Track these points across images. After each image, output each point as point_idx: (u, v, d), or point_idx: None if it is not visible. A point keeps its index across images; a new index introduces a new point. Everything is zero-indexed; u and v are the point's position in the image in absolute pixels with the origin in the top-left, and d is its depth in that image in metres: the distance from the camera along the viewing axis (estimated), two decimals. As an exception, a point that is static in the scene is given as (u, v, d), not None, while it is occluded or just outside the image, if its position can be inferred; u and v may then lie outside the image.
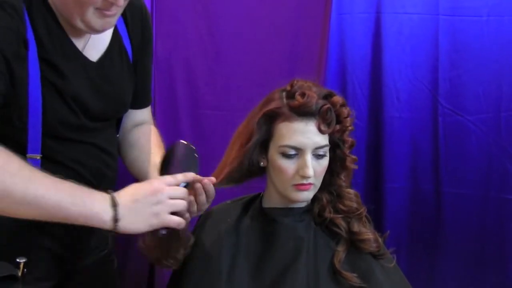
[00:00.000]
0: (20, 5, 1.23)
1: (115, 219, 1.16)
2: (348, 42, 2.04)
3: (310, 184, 1.36)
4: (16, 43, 1.21)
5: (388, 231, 1.48)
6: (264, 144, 1.39)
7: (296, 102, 1.34)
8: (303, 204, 1.44)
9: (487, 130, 1.97)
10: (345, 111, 1.39)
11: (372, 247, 1.39)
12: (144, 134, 1.57)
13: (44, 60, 1.26)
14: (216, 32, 2.12)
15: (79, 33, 1.33)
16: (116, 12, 1.28)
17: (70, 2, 1.24)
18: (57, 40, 1.29)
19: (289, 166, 1.35)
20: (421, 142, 2.05)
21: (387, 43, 2.01)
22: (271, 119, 1.36)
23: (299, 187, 1.36)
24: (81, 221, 1.16)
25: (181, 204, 1.25)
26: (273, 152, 1.37)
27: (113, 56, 1.42)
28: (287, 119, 1.34)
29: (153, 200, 1.20)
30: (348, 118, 1.39)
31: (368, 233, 1.40)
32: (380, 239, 1.41)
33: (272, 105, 1.37)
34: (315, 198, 1.43)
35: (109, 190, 1.20)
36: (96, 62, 1.38)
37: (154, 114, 2.10)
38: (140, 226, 1.20)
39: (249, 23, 2.10)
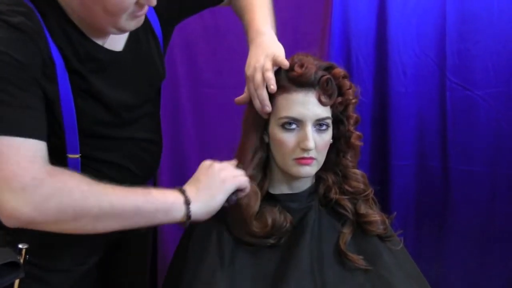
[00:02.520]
0: (39, 25, 1.17)
1: (188, 209, 1.22)
2: (352, 15, 1.98)
3: (311, 158, 1.31)
4: (42, 64, 1.16)
5: (395, 213, 1.44)
6: (265, 120, 1.34)
7: (295, 73, 1.30)
8: (306, 185, 1.39)
9: (497, 104, 1.91)
10: (347, 83, 1.34)
11: (379, 229, 1.35)
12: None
13: (71, 71, 1.22)
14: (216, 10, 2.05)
15: (100, 32, 1.27)
16: (147, 8, 1.24)
17: (99, 14, 1.18)
18: (80, 46, 1.24)
19: (289, 139, 1.31)
20: (428, 118, 1.99)
21: (392, 16, 1.94)
22: (270, 93, 1.32)
23: (300, 161, 1.31)
24: (160, 217, 1.21)
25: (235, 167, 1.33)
26: (273, 126, 1.33)
27: (138, 35, 1.37)
28: (286, 90, 1.30)
29: (213, 172, 1.27)
30: (350, 90, 1.34)
31: (375, 215, 1.36)
32: (387, 221, 1.37)
33: None
34: (320, 179, 1.39)
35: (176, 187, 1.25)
36: (122, 51, 1.33)
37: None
38: (218, 200, 1.26)
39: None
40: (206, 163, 1.30)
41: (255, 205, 1.33)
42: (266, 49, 1.37)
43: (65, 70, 1.20)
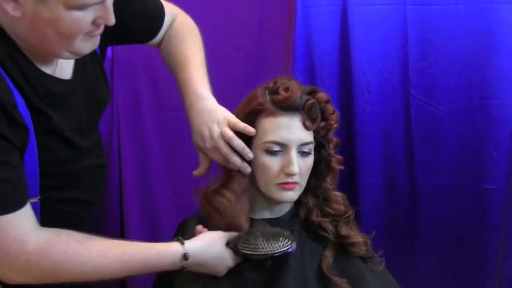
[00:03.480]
0: None
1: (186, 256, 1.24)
2: (315, 36, 1.98)
3: (295, 183, 1.31)
4: (5, 114, 1.08)
5: (374, 232, 1.44)
6: (247, 143, 1.33)
7: (280, 97, 1.29)
8: (286, 209, 1.38)
9: (460, 120, 1.94)
10: (330, 107, 1.35)
11: (362, 250, 1.35)
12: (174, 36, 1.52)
13: (33, 109, 1.15)
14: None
15: (48, 58, 1.20)
16: (103, 28, 1.17)
17: (52, 38, 1.09)
18: (34, 80, 1.15)
19: (273, 163, 1.30)
20: (394, 135, 2.01)
21: (355, 36, 1.95)
22: (254, 116, 1.32)
23: (284, 186, 1.31)
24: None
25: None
26: (256, 149, 1.32)
27: (84, 57, 1.29)
28: (271, 114, 1.30)
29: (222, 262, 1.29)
30: (334, 115, 1.36)
31: (357, 236, 1.36)
32: (368, 242, 1.37)
33: (255, 102, 1.32)
34: (300, 203, 1.39)
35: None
36: (71, 79, 1.26)
37: (118, 118, 2.02)
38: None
39: (212, 19, 2.02)
40: (218, 249, 1.28)
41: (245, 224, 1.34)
42: (214, 115, 1.33)
43: (27, 110, 1.13)
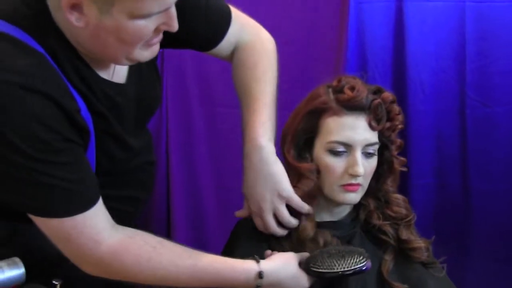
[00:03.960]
0: (54, 72, 1.07)
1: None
2: (368, 32, 1.93)
3: (358, 184, 1.28)
4: (70, 120, 1.08)
5: (433, 237, 1.40)
6: (309, 143, 1.30)
7: (346, 96, 1.26)
8: (346, 211, 1.35)
9: (518, 121, 1.88)
10: (396, 108, 1.31)
11: (423, 256, 1.32)
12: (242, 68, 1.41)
13: (94, 113, 1.14)
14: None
15: (106, 64, 1.18)
16: (161, 36, 1.14)
17: (113, 45, 1.07)
18: (94, 85, 1.15)
19: (337, 164, 1.26)
20: (448, 136, 1.95)
21: (410, 33, 1.90)
22: (316, 115, 1.28)
23: (347, 187, 1.27)
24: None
25: None
26: (319, 150, 1.29)
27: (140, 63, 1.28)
28: (336, 113, 1.26)
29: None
30: (399, 116, 1.31)
31: (418, 241, 1.32)
32: (430, 247, 1.33)
33: (318, 101, 1.28)
34: (360, 205, 1.35)
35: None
36: (126, 83, 1.24)
37: (166, 113, 2.00)
38: None
39: (263, 15, 1.97)
40: (292, 269, 1.24)
41: (311, 230, 1.30)
42: (272, 183, 1.27)
43: (89, 114, 1.13)
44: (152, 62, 1.32)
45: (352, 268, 1.20)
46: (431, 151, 1.96)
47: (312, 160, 1.31)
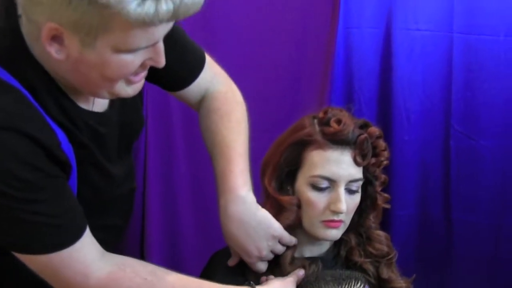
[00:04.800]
0: (33, 108, 1.02)
1: None
2: (355, 58, 1.91)
3: (340, 221, 1.24)
4: (54, 155, 1.04)
5: (414, 275, 1.36)
6: (291, 175, 1.26)
7: (332, 129, 1.22)
8: (326, 247, 1.31)
9: (502, 156, 1.87)
10: (382, 143, 1.28)
11: (404, 296, 1.27)
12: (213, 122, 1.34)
13: (75, 143, 1.09)
14: (215, 50, 1.96)
15: (86, 96, 1.13)
16: (145, 73, 1.08)
17: (95, 80, 1.02)
18: (75, 116, 1.10)
19: (319, 199, 1.23)
20: (432, 166, 1.94)
21: (397, 60, 1.89)
22: (300, 147, 1.24)
23: (329, 223, 1.23)
24: None
25: None
26: (301, 183, 1.25)
27: None
28: (320, 147, 1.22)
29: None
30: (385, 152, 1.28)
31: (399, 281, 1.29)
32: (411, 287, 1.30)
33: (303, 132, 1.25)
34: (340, 241, 1.31)
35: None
36: (108, 110, 1.19)
37: (146, 131, 1.95)
38: None
39: (251, 35, 1.96)
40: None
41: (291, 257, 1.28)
42: (261, 231, 1.24)
43: (70, 145, 1.08)
44: None
45: None
46: (414, 181, 1.94)
47: (293, 192, 1.27)
